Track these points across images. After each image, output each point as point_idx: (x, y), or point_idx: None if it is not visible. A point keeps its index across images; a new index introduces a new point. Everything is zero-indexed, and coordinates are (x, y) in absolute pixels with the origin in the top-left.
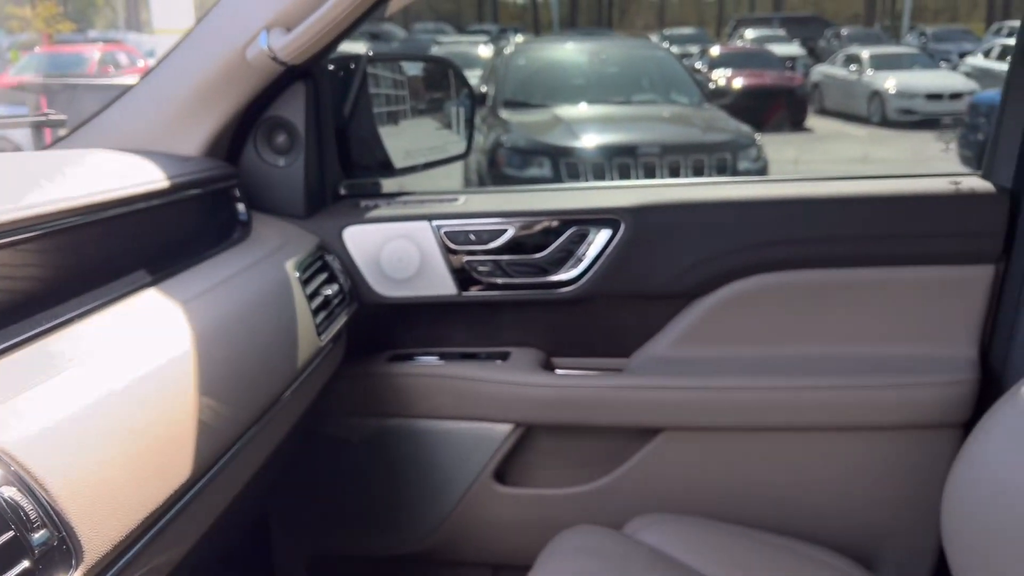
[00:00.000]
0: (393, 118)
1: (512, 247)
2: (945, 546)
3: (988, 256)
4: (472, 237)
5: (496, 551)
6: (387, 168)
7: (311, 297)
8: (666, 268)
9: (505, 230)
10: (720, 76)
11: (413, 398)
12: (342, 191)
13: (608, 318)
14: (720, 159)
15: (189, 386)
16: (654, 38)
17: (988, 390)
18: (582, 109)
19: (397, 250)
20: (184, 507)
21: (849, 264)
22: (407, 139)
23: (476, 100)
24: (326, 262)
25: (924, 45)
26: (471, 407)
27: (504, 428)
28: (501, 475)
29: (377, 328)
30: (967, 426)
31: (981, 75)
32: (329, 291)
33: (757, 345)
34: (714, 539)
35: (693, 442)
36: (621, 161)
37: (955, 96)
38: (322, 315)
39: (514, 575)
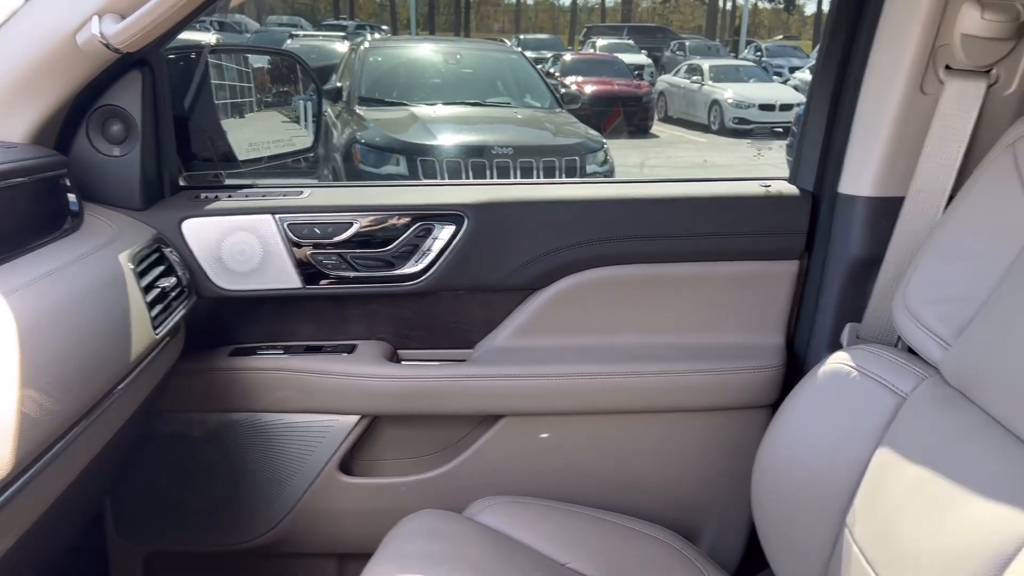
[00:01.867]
0: (238, 110)
1: (358, 241)
2: (754, 515)
3: (793, 253)
4: (317, 231)
5: (342, 541)
6: (230, 160)
7: (146, 289)
8: (507, 262)
9: (351, 224)
10: (572, 82)
11: (256, 392)
12: (182, 183)
13: (453, 311)
14: (570, 162)
15: (11, 378)
16: (510, 42)
17: (792, 374)
18: (438, 108)
19: (239, 243)
20: (8, 500)
21: (674, 260)
22: (252, 132)
23: (324, 95)
24: (163, 254)
25: (759, 59)
26: (316, 400)
27: (349, 420)
28: (347, 466)
29: (219, 322)
30: (775, 407)
31: (808, 88)
32: (166, 284)
33: (590, 335)
34: (549, 518)
35: (531, 427)
36: (476, 161)
37: (785, 107)
38: (158, 308)
39: (360, 563)
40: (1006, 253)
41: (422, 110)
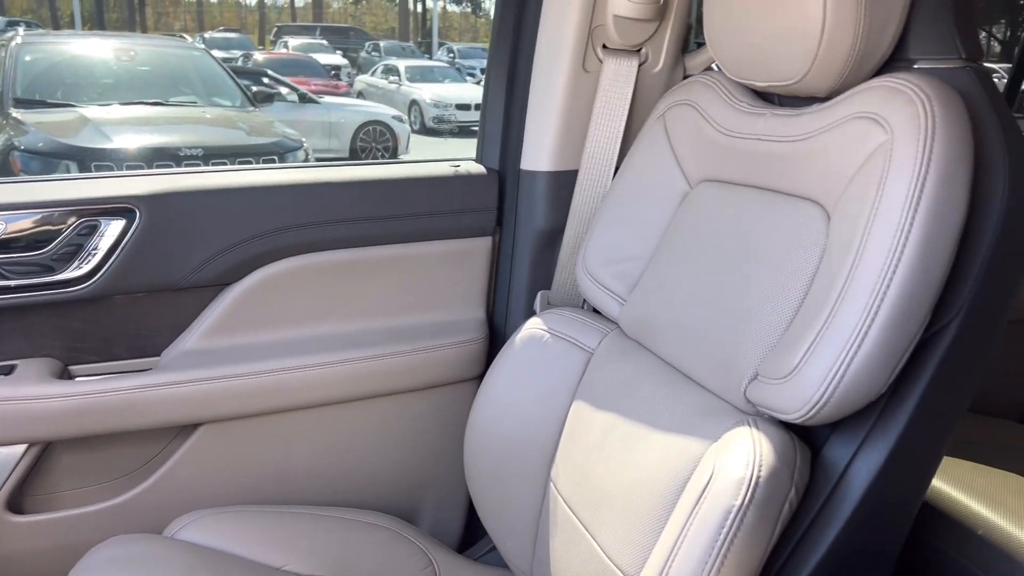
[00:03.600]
0: None
1: (6, 245)
2: (469, 485)
3: (486, 229)
4: None
5: None
6: None
7: None
8: (190, 258)
9: None
10: (267, 82)
11: None
12: None
13: (132, 316)
14: (267, 161)
15: None
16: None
17: (495, 344)
18: (114, 110)
19: None
20: None
21: (370, 243)
22: None
23: None
24: None
25: (452, 60)
26: None
27: (14, 451)
28: (16, 504)
29: None
30: (481, 379)
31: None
32: None
33: (291, 327)
34: (259, 524)
35: (233, 432)
36: (162, 164)
37: (480, 107)
38: None
39: None
40: (663, 213)
41: (94, 111)
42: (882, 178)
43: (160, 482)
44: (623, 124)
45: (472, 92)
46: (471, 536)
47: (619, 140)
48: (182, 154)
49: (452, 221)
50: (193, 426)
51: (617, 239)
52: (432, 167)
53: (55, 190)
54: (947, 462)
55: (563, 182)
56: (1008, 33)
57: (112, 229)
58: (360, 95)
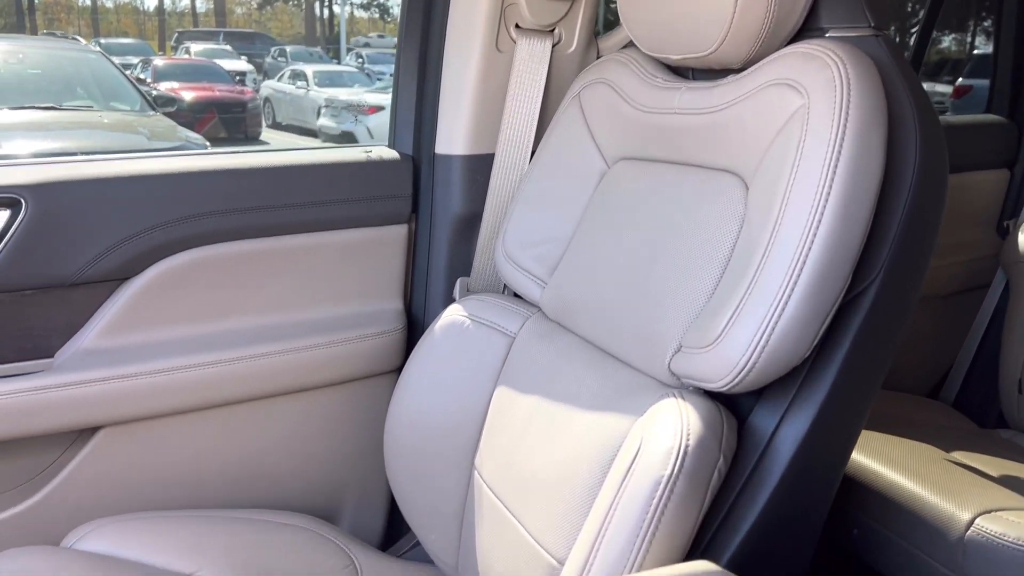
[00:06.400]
0: None
1: None
2: (390, 480)
3: (401, 217)
4: None
5: None
6: None
7: None
8: (84, 251)
9: None
10: (167, 88)
11: None
12: None
13: (19, 316)
14: None
15: None
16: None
17: (413, 335)
18: (3, 114)
19: None
20: None
21: (280, 232)
22: None
23: None
24: None
25: (362, 65)
26: None
27: None
28: None
29: None
30: (399, 371)
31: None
32: None
33: (194, 323)
34: (167, 531)
35: (137, 434)
36: None
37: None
38: None
39: None
40: (582, 193)
41: None
42: (800, 142)
43: (58, 491)
44: (538, 105)
45: (382, 97)
46: (394, 533)
47: (535, 122)
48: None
49: (365, 208)
50: (92, 430)
51: (536, 221)
52: (343, 153)
53: None
54: (865, 435)
55: (479, 166)
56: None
57: None
58: (267, 101)
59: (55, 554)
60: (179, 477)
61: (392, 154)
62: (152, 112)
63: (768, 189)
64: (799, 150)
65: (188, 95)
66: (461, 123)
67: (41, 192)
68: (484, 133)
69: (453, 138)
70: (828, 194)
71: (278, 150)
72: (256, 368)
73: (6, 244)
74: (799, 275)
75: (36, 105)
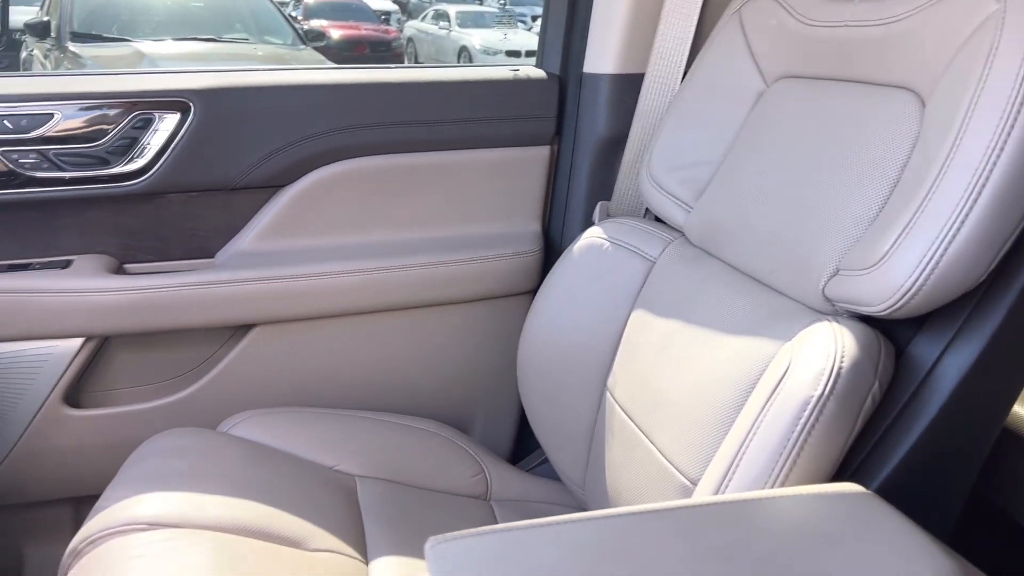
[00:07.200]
0: None
1: (62, 136)
2: (522, 397)
3: (544, 138)
4: (8, 124)
5: (77, 483)
6: None
7: None
8: (245, 156)
9: (51, 115)
10: (316, 25)
11: None
12: None
13: (186, 216)
14: None
15: None
16: None
17: (550, 257)
18: (168, 45)
19: None
20: None
21: (425, 149)
22: None
23: (29, 30)
24: None
25: (504, 6)
26: (26, 324)
27: (71, 344)
28: (74, 398)
29: None
30: (534, 292)
31: None
32: None
33: (342, 232)
34: (311, 425)
35: (286, 334)
36: None
37: (531, 54)
38: None
39: None
40: (736, 115)
41: (149, 47)
42: (991, 52)
43: (213, 382)
44: (694, 22)
45: (522, 39)
46: (522, 449)
47: (689, 40)
48: None
49: (510, 128)
50: (246, 327)
51: (685, 144)
52: (491, 71)
53: (111, 83)
54: None
55: (628, 85)
56: None
57: (167, 124)
58: (410, 41)
59: (210, 436)
60: (322, 377)
61: (539, 73)
62: (303, 47)
63: (949, 104)
64: (989, 61)
65: (336, 33)
66: (612, 41)
67: (209, 97)
68: (635, 51)
69: (603, 56)
70: (1020, 108)
71: (429, 67)
72: (397, 279)
73: (176, 145)
74: (978, 195)
75: (198, 37)
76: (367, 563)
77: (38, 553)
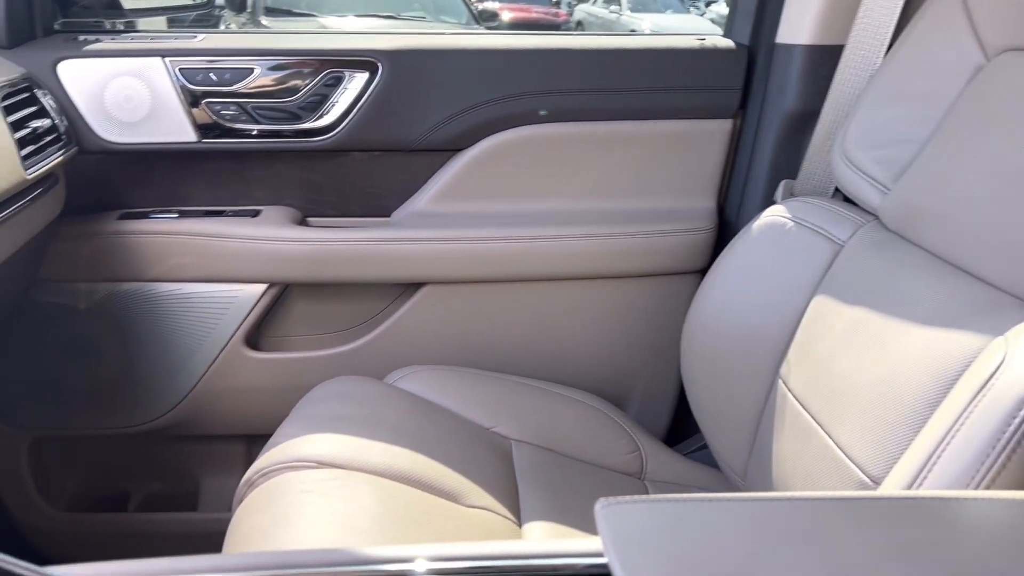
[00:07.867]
0: None
1: (260, 91)
2: (684, 379)
3: (727, 111)
4: (213, 77)
5: (251, 421)
6: (113, 7)
7: (14, 127)
8: (426, 118)
9: (252, 70)
10: (488, 6)
11: (150, 259)
12: (57, 27)
13: (366, 174)
14: None
15: None
16: None
17: (724, 237)
18: (349, 20)
19: (124, 89)
20: None
21: (601, 118)
22: None
23: (228, 5)
24: (35, 96)
25: None
26: (217, 267)
27: (255, 289)
28: (254, 341)
29: (105, 182)
30: (704, 272)
31: (723, 21)
32: (39, 125)
33: (512, 198)
34: (472, 385)
35: (454, 295)
36: None
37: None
38: (30, 148)
39: None
40: (948, 91)
41: (332, 21)
42: None
43: (382, 335)
44: None
45: (694, 24)
46: (678, 432)
47: (897, 12)
48: None
49: (691, 99)
50: (417, 285)
51: (886, 121)
52: (676, 40)
53: (305, 41)
54: None
55: (825, 58)
56: None
57: (356, 83)
58: (579, 24)
59: (377, 385)
60: (485, 339)
61: (727, 43)
62: (477, 27)
63: None
64: None
65: (507, 15)
66: (811, 9)
67: (395, 58)
68: (836, 21)
69: (799, 26)
70: None
71: (610, 34)
72: (564, 249)
73: (363, 104)
74: None
75: (378, 14)
76: (520, 525)
77: (214, 483)
